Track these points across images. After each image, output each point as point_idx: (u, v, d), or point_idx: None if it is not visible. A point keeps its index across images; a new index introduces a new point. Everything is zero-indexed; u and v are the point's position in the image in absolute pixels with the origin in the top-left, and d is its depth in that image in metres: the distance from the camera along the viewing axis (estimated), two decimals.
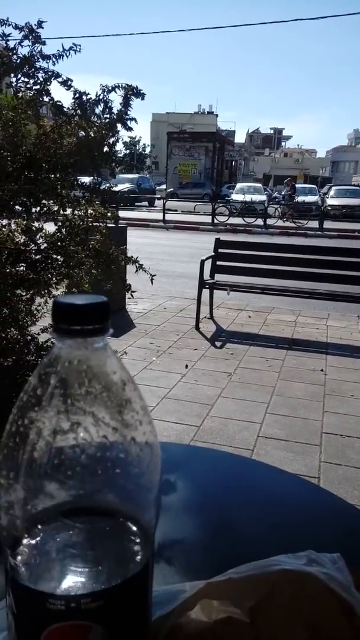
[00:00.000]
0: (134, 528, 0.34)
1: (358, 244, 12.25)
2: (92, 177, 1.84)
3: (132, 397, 0.33)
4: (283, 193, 22.30)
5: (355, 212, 20.66)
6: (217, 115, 65.62)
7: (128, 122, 1.54)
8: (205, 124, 54.73)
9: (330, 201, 21.77)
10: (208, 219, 17.92)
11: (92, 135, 1.49)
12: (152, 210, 23.57)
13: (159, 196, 25.07)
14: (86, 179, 1.85)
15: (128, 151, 53.73)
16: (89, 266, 1.67)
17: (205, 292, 5.39)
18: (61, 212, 1.63)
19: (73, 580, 0.31)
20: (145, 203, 27.31)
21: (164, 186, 34.07)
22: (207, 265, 5.32)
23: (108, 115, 1.52)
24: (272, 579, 0.47)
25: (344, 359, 4.36)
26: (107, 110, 1.51)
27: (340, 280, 5.08)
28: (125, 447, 0.32)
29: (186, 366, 4.02)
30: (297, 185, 26.59)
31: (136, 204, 26.18)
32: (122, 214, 16.58)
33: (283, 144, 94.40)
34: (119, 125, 1.55)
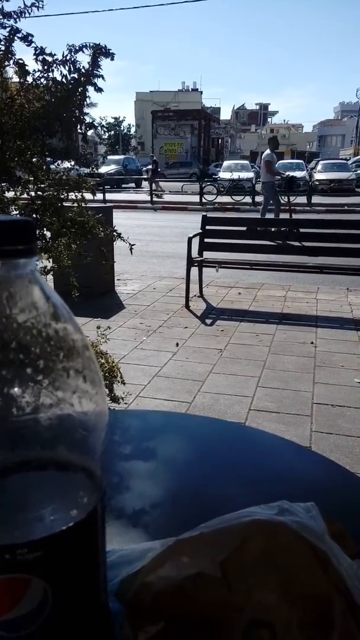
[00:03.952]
0: (79, 475, 0.31)
1: (346, 218, 12.19)
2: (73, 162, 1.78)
3: (64, 329, 0.30)
4: (148, 168, 23.76)
5: (343, 186, 20.54)
6: (201, 93, 64.52)
7: (96, 82, 1.47)
8: (189, 101, 53.78)
9: (318, 176, 21.61)
10: (196, 198, 17.73)
11: (59, 95, 1.42)
12: (140, 192, 23.29)
13: (145, 177, 24.74)
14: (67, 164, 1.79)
15: (112, 132, 52.76)
16: (67, 239, 1.62)
17: (195, 271, 5.34)
18: (32, 180, 1.56)
19: (9, 531, 0.28)
20: (133, 184, 26.93)
21: (150, 167, 33.65)
22: (195, 244, 5.27)
23: (76, 75, 1.45)
24: (243, 530, 0.44)
25: (334, 331, 4.36)
26: (75, 70, 1.44)
27: (328, 253, 5.06)
28: (58, 387, 0.29)
29: (177, 344, 4.00)
30: (284, 161, 26.35)
31: (123, 185, 25.84)
32: (109, 196, 16.43)
33: (269, 119, 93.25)
34: (89, 88, 1.48)
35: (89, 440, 0.32)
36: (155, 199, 18.03)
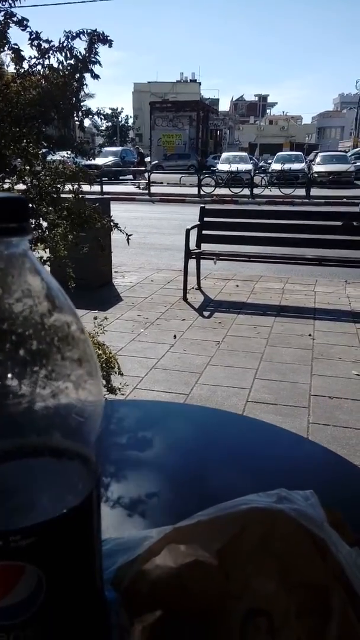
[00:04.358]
0: (74, 461, 0.31)
1: (345, 210, 12.14)
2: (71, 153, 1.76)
3: (59, 311, 0.29)
4: (135, 160, 25.35)
5: (342, 178, 20.48)
6: (200, 84, 63.97)
7: (93, 68, 1.44)
8: (188, 92, 53.35)
9: (317, 168, 21.52)
10: (194, 190, 17.66)
11: (55, 81, 1.39)
12: (130, 183, 23.16)
13: (143, 169, 24.60)
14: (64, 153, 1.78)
15: (110, 123, 52.31)
16: (63, 229, 1.60)
17: (193, 263, 5.33)
18: (28, 170, 1.54)
19: (2, 517, 0.28)
20: (130, 176, 26.77)
21: (148, 158, 33.43)
22: (193, 236, 5.25)
23: (72, 62, 1.42)
24: (241, 518, 0.44)
25: (332, 323, 4.36)
26: (71, 57, 1.41)
27: (326, 245, 5.04)
28: (52, 370, 0.28)
29: (174, 336, 4.00)
30: (282, 153, 26.22)
31: (120, 177, 25.68)
32: (107, 187, 16.34)
33: (268, 111, 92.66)
34: (87, 76, 1.45)
35: (84, 427, 0.31)
36: (142, 190, 18.16)
